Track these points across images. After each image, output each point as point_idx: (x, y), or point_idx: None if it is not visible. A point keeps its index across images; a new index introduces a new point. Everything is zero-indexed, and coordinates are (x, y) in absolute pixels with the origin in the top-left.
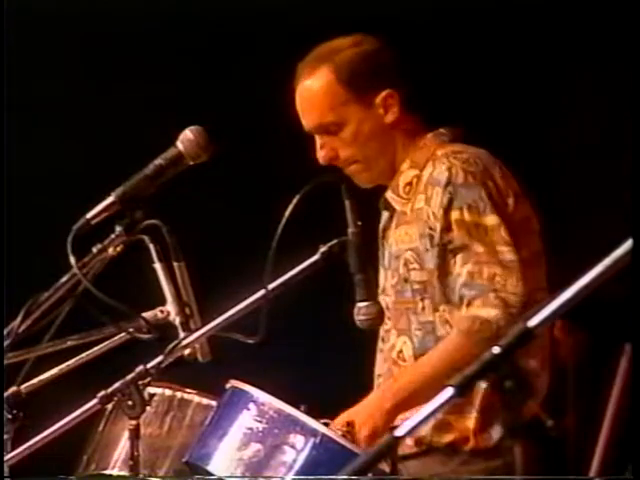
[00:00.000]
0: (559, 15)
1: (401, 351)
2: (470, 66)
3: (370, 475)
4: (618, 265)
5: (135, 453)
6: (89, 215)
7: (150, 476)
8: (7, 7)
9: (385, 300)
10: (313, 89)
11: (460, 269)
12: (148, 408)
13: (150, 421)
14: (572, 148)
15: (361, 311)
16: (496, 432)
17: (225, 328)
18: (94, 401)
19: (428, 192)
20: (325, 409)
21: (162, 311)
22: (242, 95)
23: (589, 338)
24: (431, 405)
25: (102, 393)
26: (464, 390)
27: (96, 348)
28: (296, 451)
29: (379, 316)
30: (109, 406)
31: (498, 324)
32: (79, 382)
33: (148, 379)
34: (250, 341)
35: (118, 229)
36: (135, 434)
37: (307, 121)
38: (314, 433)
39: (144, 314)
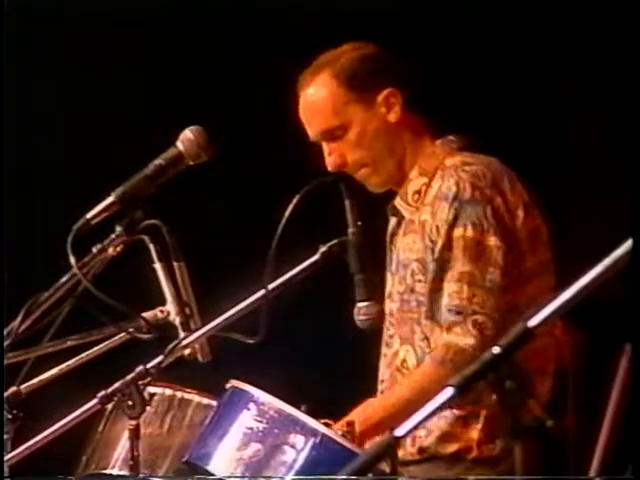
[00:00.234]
0: (559, 15)
1: (405, 360)
2: (470, 67)
3: (370, 475)
4: (618, 265)
5: (135, 453)
6: (89, 215)
7: (150, 476)
8: (7, 7)
9: (390, 306)
10: (315, 96)
11: (446, 288)
12: (148, 408)
13: (150, 421)
14: (572, 148)
15: (361, 311)
16: (501, 442)
17: (225, 328)
18: (94, 401)
19: (435, 205)
20: (325, 409)
21: (162, 311)
22: (242, 95)
23: (589, 338)
24: (431, 405)
25: (102, 393)
26: (464, 390)
27: (96, 348)
28: (296, 451)
29: (379, 316)
30: (109, 406)
31: (474, 353)
32: (79, 382)
33: (148, 379)
34: (250, 341)
35: (118, 229)
36: (135, 434)
37: (312, 129)
38: (314, 433)
39: (144, 314)
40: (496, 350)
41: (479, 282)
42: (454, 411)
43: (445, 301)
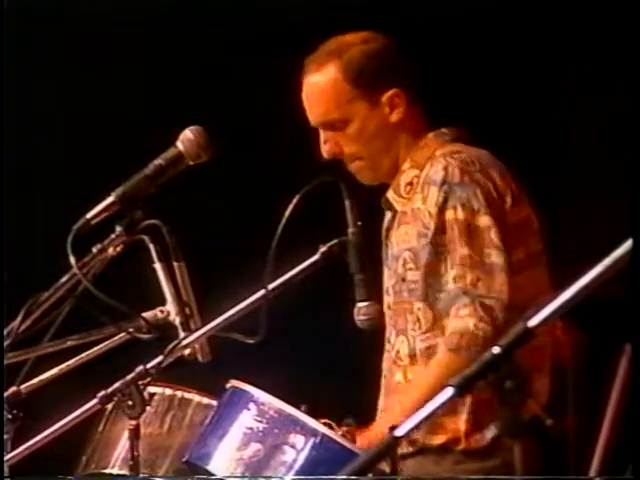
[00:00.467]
0: (559, 15)
1: (399, 351)
2: (470, 66)
3: (370, 475)
4: (618, 265)
5: (135, 453)
6: (89, 215)
7: (150, 476)
8: (7, 7)
9: (387, 300)
10: (320, 85)
11: (447, 274)
12: (148, 408)
13: (150, 420)
14: (572, 148)
15: (361, 311)
16: (489, 432)
17: (225, 328)
18: (94, 401)
19: (424, 191)
20: (325, 409)
21: (162, 311)
22: (242, 95)
23: (589, 338)
24: (431, 405)
25: (102, 393)
26: (464, 390)
27: (96, 348)
28: (296, 451)
29: (379, 316)
30: (109, 406)
31: (485, 335)
32: (79, 382)
33: (148, 379)
34: (250, 341)
35: (118, 229)
36: (135, 434)
37: (313, 116)
38: (314, 433)
39: (144, 314)
40: (496, 350)
41: (479, 265)
42: None
43: (450, 286)
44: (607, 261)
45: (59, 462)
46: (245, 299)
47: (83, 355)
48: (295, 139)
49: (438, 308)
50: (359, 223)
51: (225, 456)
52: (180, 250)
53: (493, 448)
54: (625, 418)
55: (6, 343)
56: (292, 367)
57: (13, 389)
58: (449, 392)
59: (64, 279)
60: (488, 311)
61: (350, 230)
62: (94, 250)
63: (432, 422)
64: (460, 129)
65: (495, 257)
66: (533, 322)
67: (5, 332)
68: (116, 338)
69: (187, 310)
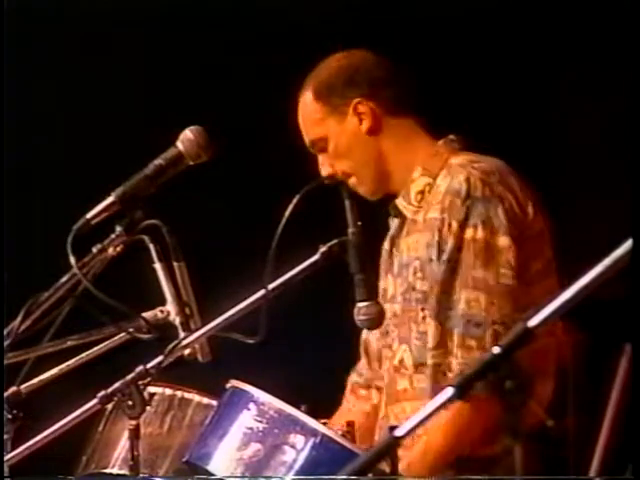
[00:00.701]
0: (559, 15)
1: (402, 360)
2: (470, 67)
3: (370, 475)
4: (618, 265)
5: (135, 453)
6: (89, 215)
7: (150, 476)
8: (7, 7)
9: (394, 308)
10: (301, 109)
11: (459, 293)
12: (148, 408)
13: (150, 420)
14: (572, 148)
15: (361, 311)
16: (500, 443)
17: (225, 328)
18: (94, 401)
19: (445, 202)
20: (325, 409)
21: (162, 311)
22: (242, 95)
23: (589, 338)
24: (431, 405)
25: (102, 393)
26: (464, 390)
27: (96, 348)
28: (296, 451)
29: (379, 316)
30: (109, 406)
31: None
32: (79, 382)
33: (148, 379)
34: (250, 341)
35: (118, 229)
36: (135, 434)
37: (305, 139)
38: (314, 433)
39: (144, 314)
40: (496, 350)
41: (494, 288)
42: None
43: (461, 309)
44: (607, 261)
45: (59, 462)
46: (245, 299)
47: (83, 355)
48: (295, 139)
49: (448, 326)
50: (359, 223)
51: (225, 456)
52: (180, 250)
53: (502, 457)
54: (625, 418)
55: (6, 343)
56: (292, 367)
57: (13, 389)
58: (449, 392)
59: (64, 279)
60: (496, 340)
61: (350, 230)
62: (94, 250)
63: None
64: (467, 137)
65: (508, 278)
66: (533, 322)
67: (5, 332)
68: (116, 338)
69: (187, 310)
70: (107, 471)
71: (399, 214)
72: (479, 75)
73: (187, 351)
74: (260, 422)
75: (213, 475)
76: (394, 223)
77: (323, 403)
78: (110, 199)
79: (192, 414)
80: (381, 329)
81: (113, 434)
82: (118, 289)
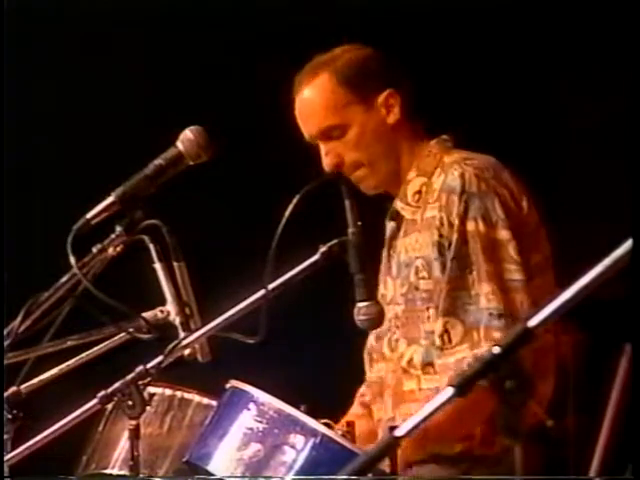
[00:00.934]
0: (558, 15)
1: (411, 359)
2: (469, 66)
3: (370, 475)
4: (618, 265)
5: (135, 453)
6: (89, 215)
7: (150, 476)
8: (7, 7)
9: (395, 309)
10: (314, 95)
11: (477, 287)
12: (148, 408)
13: (150, 421)
14: (572, 147)
15: (361, 311)
16: (501, 441)
17: (225, 328)
18: (94, 401)
19: (442, 200)
20: (325, 409)
21: (162, 311)
22: (242, 95)
23: (589, 338)
24: (431, 405)
25: (102, 393)
26: (464, 390)
27: (96, 348)
28: (296, 451)
29: (379, 316)
30: (109, 406)
31: None
32: (79, 382)
33: (148, 379)
34: (250, 341)
35: (118, 229)
36: (135, 434)
37: (310, 128)
38: (314, 433)
39: (144, 314)
40: (496, 350)
41: (506, 283)
42: None
43: (483, 302)
44: (607, 261)
45: (59, 462)
46: (245, 299)
47: (83, 355)
48: (295, 139)
49: (469, 321)
50: (359, 223)
51: (225, 456)
52: (180, 250)
53: (502, 456)
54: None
55: (6, 343)
56: (292, 367)
57: (13, 389)
58: (449, 392)
59: (64, 279)
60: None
61: (350, 230)
62: (94, 250)
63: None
64: (459, 135)
65: (517, 273)
66: (533, 322)
67: (5, 332)
68: (116, 338)
69: (187, 310)
70: (107, 471)
71: (395, 217)
72: (479, 75)
73: (187, 351)
74: (260, 422)
75: (213, 475)
76: (389, 226)
77: (323, 403)
78: (110, 199)
79: (192, 414)
80: (380, 331)
81: (113, 434)
82: (118, 289)
